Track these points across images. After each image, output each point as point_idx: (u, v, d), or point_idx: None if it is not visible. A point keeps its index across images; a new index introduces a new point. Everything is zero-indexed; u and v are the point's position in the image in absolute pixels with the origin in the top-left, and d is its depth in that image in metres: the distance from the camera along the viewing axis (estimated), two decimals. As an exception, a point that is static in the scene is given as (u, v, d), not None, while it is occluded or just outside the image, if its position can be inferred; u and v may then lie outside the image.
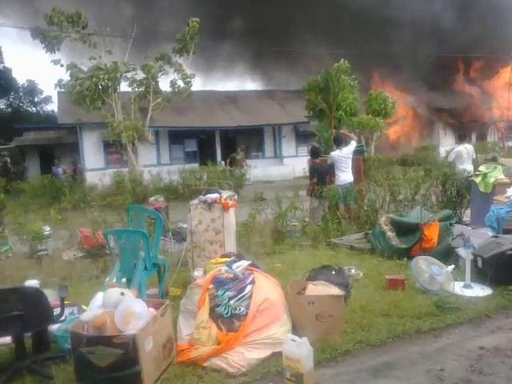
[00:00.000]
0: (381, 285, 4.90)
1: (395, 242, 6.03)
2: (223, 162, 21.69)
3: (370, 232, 6.64)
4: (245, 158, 19.93)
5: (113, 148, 19.60)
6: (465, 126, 25.30)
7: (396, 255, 5.85)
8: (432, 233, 5.78)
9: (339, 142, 8.68)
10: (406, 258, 5.67)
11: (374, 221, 7.21)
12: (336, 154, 8.40)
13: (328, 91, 16.83)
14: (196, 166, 20.24)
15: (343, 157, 8.28)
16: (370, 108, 21.13)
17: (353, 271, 5.28)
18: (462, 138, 11.24)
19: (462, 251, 5.08)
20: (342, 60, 17.12)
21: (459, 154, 10.05)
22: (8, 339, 3.69)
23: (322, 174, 8.51)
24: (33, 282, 4.83)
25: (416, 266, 4.83)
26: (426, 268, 4.79)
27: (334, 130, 15.56)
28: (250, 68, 35.38)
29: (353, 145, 8.44)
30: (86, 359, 3.05)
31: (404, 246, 5.93)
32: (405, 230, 6.09)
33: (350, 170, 8.33)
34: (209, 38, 24.78)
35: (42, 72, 54.79)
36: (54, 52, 16.10)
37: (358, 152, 9.36)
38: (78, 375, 3.17)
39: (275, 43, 26.56)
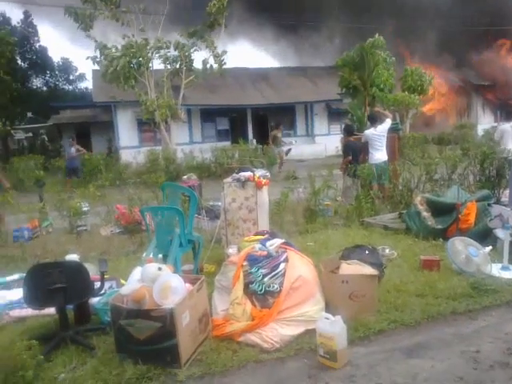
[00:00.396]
0: (415, 265, 4.85)
1: (431, 222, 5.93)
2: (254, 140, 21.65)
3: (404, 212, 6.54)
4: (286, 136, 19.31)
5: (146, 126, 19.84)
6: (505, 102, 24.34)
7: (431, 236, 5.77)
8: (469, 213, 5.65)
9: (374, 119, 8.53)
10: (441, 239, 5.58)
11: (409, 200, 7.10)
12: (370, 132, 8.26)
13: (362, 67, 16.45)
14: (228, 144, 20.30)
15: (377, 135, 8.14)
16: (405, 84, 20.57)
17: (387, 251, 5.24)
18: (508, 115, 10.83)
19: (500, 232, 4.96)
20: (376, 35, 16.64)
21: (504, 132, 9.68)
22: (52, 311, 3.87)
23: (356, 152, 8.39)
24: (73, 257, 5.01)
25: (452, 246, 4.75)
26: (463, 249, 4.70)
27: (368, 108, 15.27)
28: (282, 44, 35.00)
29: (388, 123, 8.28)
30: (125, 331, 3.17)
31: (440, 226, 5.83)
32: (441, 210, 5.98)
33: (384, 148, 8.19)
34: (240, 12, 24.51)
35: (76, 49, 55.65)
36: (88, 30, 16.26)
37: (393, 130, 9.16)
38: (118, 346, 3.30)
39: (306, 18, 26.08)
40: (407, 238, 5.99)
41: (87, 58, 16.65)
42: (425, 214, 6.01)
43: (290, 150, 17.80)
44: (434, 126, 24.78)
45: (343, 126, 10.74)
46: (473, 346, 3.32)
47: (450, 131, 23.29)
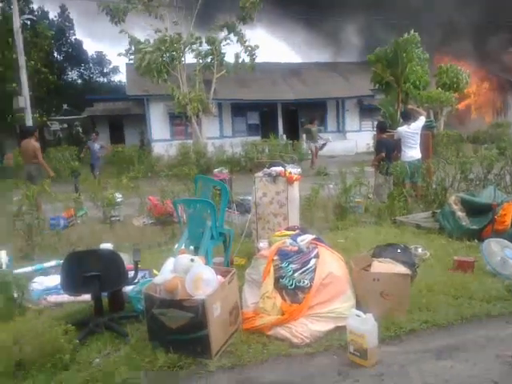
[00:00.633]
0: (449, 266, 4.76)
1: (465, 222, 5.80)
2: (285, 136, 21.58)
3: (438, 211, 6.42)
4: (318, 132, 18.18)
5: (178, 120, 20.07)
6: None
7: (466, 236, 5.65)
8: (506, 214, 5.50)
9: (407, 117, 8.39)
10: (476, 240, 5.47)
11: (443, 200, 6.98)
12: (403, 129, 8.14)
13: (396, 63, 16.16)
14: (258, 138, 20.31)
15: (411, 132, 8.01)
16: (440, 81, 20.11)
17: (419, 250, 5.16)
18: None
19: (538, 235, 4.83)
20: (412, 31, 16.30)
21: None
22: (87, 297, 3.98)
23: (388, 149, 8.27)
24: (107, 246, 5.13)
25: (488, 248, 4.64)
26: (499, 251, 4.59)
27: (401, 105, 15.01)
28: (314, 39, 34.77)
29: (422, 120, 8.14)
30: (158, 320, 3.24)
31: (475, 226, 5.70)
32: (476, 210, 5.85)
33: (417, 146, 8.06)
34: (273, 6, 24.42)
35: (109, 42, 56.73)
36: (119, 23, 16.46)
37: (427, 127, 8.99)
38: (151, 335, 3.38)
39: (332, 13, 25.79)
40: (440, 237, 5.88)
41: (119, 54, 16.99)
42: (459, 213, 5.89)
43: (324, 144, 17.50)
44: (469, 124, 24.18)
45: (376, 123, 10.58)
46: (508, 350, 3.23)
47: (485, 130, 22.68)
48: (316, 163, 15.71)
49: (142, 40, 16.31)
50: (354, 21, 29.56)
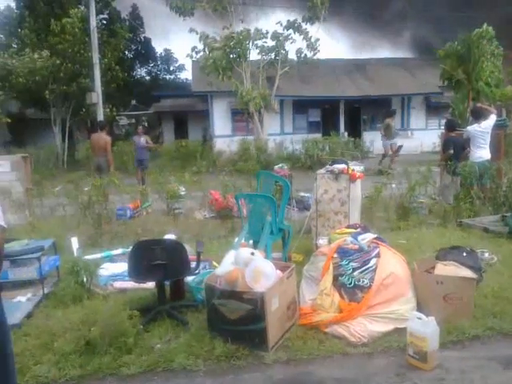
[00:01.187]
0: (518, 272, 4.53)
1: (538, 227, 5.48)
2: (346, 133, 21.24)
3: (508, 215, 6.10)
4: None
5: (239, 116, 20.29)
6: None
7: (537, 242, 5.34)
8: None
9: (477, 115, 8.00)
10: (549, 246, 5.15)
11: (514, 203, 6.62)
12: (473, 128, 7.78)
13: (467, 59, 15.41)
14: (318, 136, 20.13)
15: (481, 132, 7.64)
16: (515, 79, 18.99)
17: (486, 255, 4.93)
18: None
19: None
20: (484, 25, 15.45)
21: None
22: (149, 285, 4.16)
23: (457, 148, 7.93)
24: (171, 237, 5.32)
25: None
26: None
27: (471, 103, 14.31)
28: (377, 34, 33.92)
29: (492, 119, 7.74)
30: (218, 311, 3.33)
31: (548, 232, 5.37)
32: (550, 215, 5.51)
33: (487, 146, 7.67)
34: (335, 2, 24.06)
35: (176, 41, 58.26)
36: (188, 17, 16.87)
37: (499, 126, 8.52)
38: (210, 324, 3.49)
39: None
40: (510, 242, 5.59)
41: (187, 55, 17.48)
42: (532, 218, 5.57)
43: (401, 146, 16.75)
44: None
45: (445, 121, 10.15)
46: None
47: None
48: (393, 161, 14.74)
49: (211, 36, 16.66)
50: (419, 14, 28.49)
